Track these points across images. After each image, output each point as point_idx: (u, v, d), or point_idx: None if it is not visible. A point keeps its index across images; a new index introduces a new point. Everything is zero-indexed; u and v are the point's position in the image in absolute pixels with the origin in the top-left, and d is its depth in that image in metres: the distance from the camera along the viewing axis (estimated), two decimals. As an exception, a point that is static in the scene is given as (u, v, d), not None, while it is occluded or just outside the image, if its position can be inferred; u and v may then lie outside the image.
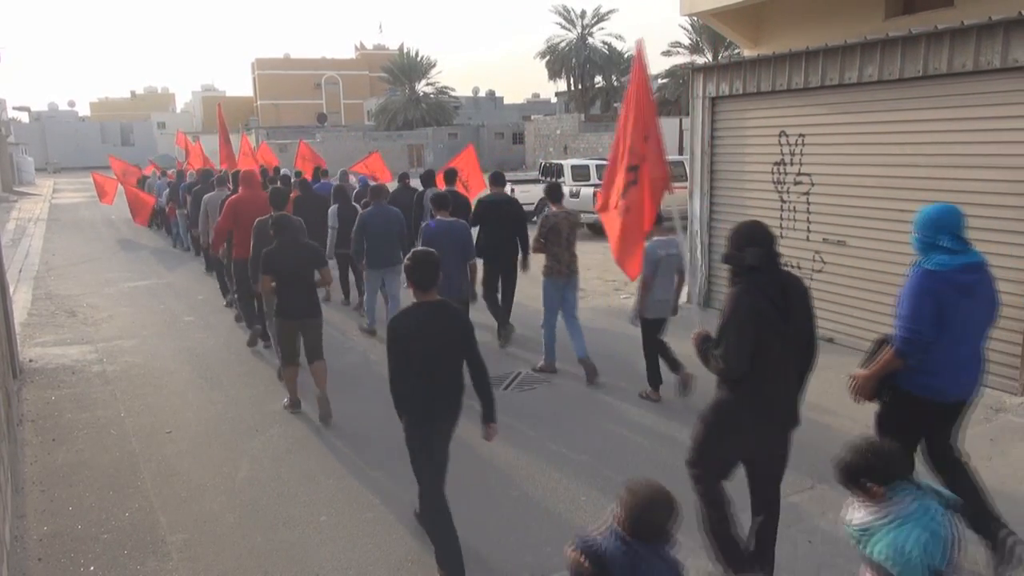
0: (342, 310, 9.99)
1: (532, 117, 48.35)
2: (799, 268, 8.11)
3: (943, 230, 3.60)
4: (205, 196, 9.88)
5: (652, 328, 6.37)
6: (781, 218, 8.28)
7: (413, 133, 49.24)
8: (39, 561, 4.22)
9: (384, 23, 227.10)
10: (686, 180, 10.57)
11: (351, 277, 10.14)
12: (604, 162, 19.03)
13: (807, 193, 7.96)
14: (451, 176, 9.50)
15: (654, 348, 6.42)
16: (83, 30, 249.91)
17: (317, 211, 9.38)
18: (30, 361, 7.98)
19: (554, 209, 7.19)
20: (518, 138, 48.26)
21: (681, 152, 24.01)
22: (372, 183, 9.55)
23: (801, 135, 7.95)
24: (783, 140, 8.16)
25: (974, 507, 3.69)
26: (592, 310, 9.49)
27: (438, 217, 7.07)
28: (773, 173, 8.32)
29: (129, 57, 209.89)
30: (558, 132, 40.74)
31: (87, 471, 5.32)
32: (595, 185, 16.89)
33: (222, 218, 8.06)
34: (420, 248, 4.18)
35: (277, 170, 15.53)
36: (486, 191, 8.27)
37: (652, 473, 5.03)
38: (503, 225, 7.90)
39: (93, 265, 14.42)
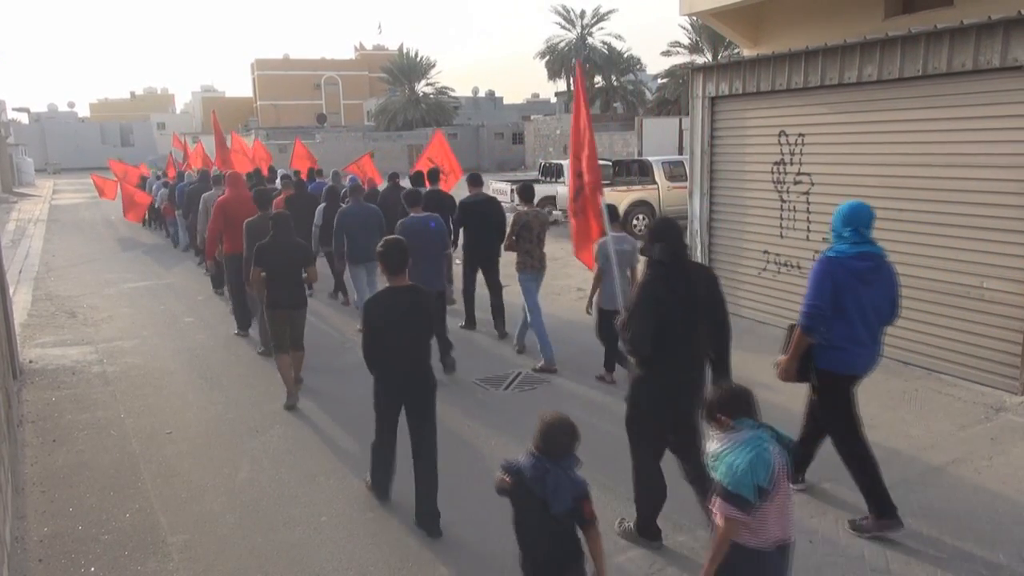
0: (341, 311, 9.99)
1: (532, 117, 48.30)
2: (799, 268, 8.11)
3: (849, 224, 4.15)
4: (204, 194, 10.37)
5: (607, 317, 6.57)
6: (781, 217, 8.28)
7: (413, 133, 49.21)
8: (40, 562, 4.22)
9: (384, 24, 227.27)
10: (686, 180, 10.59)
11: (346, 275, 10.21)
12: (604, 162, 19.12)
13: (807, 193, 7.96)
14: (434, 175, 9.65)
15: (610, 336, 6.65)
16: (83, 30, 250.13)
17: (309, 210, 9.76)
18: (30, 362, 7.98)
19: (525, 208, 7.60)
20: (518, 138, 48.23)
21: (681, 152, 24.01)
22: (354, 183, 9.77)
23: (801, 135, 7.95)
24: (783, 140, 8.16)
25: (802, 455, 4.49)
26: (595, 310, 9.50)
27: (412, 214, 7.19)
28: (773, 173, 8.32)
29: (129, 58, 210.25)
30: (558, 132, 40.72)
31: (87, 472, 5.32)
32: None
33: (212, 219, 8.55)
34: (390, 236, 4.57)
35: (272, 170, 15.90)
36: (467, 193, 8.57)
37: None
38: (484, 225, 8.19)
39: (93, 266, 14.41)
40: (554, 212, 17.45)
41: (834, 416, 4.30)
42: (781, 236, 8.32)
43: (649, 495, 4.09)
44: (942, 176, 6.61)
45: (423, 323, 4.38)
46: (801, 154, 7.97)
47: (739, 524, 2.86)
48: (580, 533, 3.02)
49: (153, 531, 4.49)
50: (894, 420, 5.79)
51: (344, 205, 9.15)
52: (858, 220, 4.15)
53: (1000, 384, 6.25)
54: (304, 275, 6.59)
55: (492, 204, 8.35)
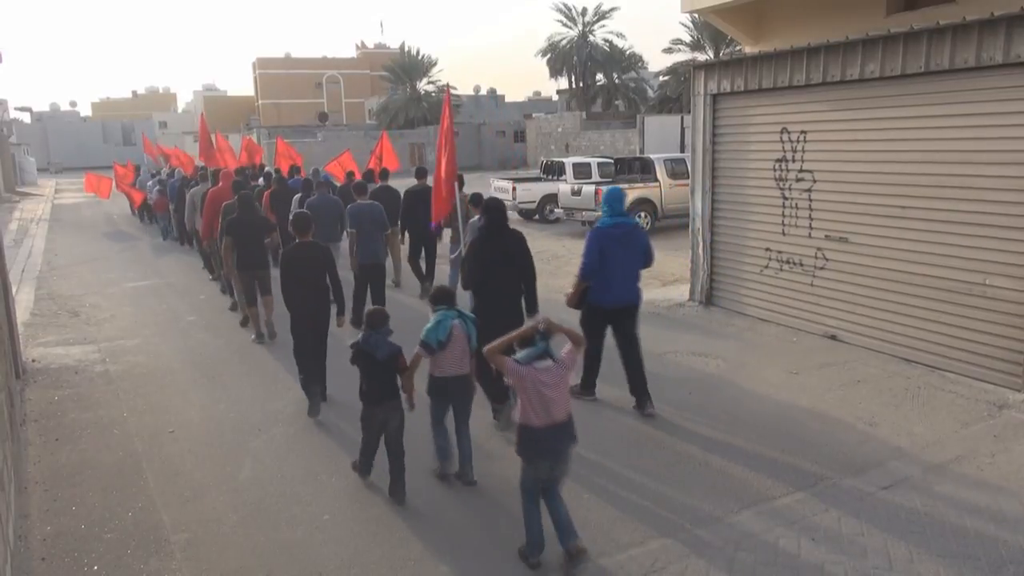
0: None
1: (533, 115, 48.20)
2: (801, 265, 8.10)
3: (605, 204, 6.02)
4: (191, 190, 11.97)
5: None
6: (783, 215, 8.26)
7: (414, 132, 49.17)
8: (43, 561, 4.24)
9: (385, 22, 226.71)
10: (688, 178, 10.56)
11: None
12: (606, 160, 19.13)
13: (809, 190, 7.94)
14: (385, 174, 12.13)
15: None
16: (84, 30, 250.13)
17: (289, 201, 11.30)
18: (33, 361, 8.00)
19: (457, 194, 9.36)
20: (519, 136, 48.13)
21: (683, 150, 23.98)
22: (326, 179, 11.88)
23: (803, 132, 7.93)
24: (785, 137, 8.14)
25: (633, 378, 6.10)
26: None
27: (358, 200, 9.09)
28: (775, 170, 8.30)
29: (131, 57, 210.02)
30: (559, 130, 40.70)
31: (90, 471, 5.33)
32: (596, 183, 16.90)
33: (205, 208, 10.14)
34: (299, 210, 6.94)
35: (262, 167, 17.73)
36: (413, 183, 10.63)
37: (656, 466, 5.05)
38: (424, 207, 9.72)
39: (95, 265, 14.44)
40: (556, 211, 17.43)
41: (591, 332, 6.00)
42: (783, 233, 8.30)
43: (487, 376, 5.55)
44: (945, 173, 6.59)
45: (319, 267, 6.31)
46: (803, 151, 7.96)
47: (426, 359, 4.81)
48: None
49: (156, 530, 4.50)
50: (897, 417, 5.78)
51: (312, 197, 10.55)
52: (611, 200, 5.99)
53: (1003, 381, 6.23)
54: (268, 240, 8.45)
55: (430, 191, 10.03)
